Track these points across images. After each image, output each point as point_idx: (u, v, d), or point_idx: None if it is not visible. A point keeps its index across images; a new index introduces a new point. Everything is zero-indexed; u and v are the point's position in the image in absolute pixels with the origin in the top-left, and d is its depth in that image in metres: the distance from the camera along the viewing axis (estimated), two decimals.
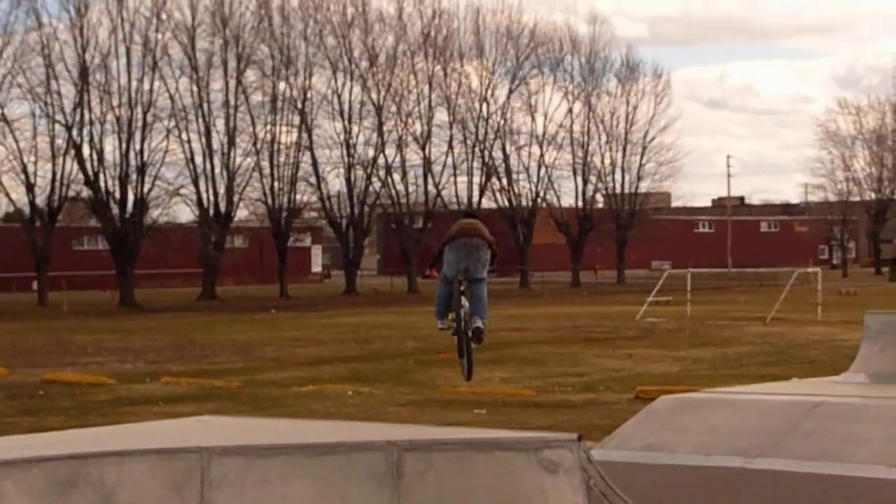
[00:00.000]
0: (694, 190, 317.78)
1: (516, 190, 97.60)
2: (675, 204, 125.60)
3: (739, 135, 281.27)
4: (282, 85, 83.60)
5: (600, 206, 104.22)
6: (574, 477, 11.49)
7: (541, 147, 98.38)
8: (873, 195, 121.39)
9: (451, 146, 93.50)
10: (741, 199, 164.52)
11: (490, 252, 18.43)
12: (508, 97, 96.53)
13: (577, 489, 11.45)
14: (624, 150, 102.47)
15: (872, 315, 23.67)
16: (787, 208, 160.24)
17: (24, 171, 73.76)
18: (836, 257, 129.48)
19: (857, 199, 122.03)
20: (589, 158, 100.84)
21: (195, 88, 78.39)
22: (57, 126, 74.83)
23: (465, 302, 18.22)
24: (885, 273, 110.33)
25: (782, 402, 19.37)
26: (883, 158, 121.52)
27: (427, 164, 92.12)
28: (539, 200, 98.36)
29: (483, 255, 18.18)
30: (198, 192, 79.35)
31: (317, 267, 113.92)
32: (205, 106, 79.22)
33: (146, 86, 76.09)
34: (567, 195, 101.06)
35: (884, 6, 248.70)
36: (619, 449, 17.92)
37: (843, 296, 70.70)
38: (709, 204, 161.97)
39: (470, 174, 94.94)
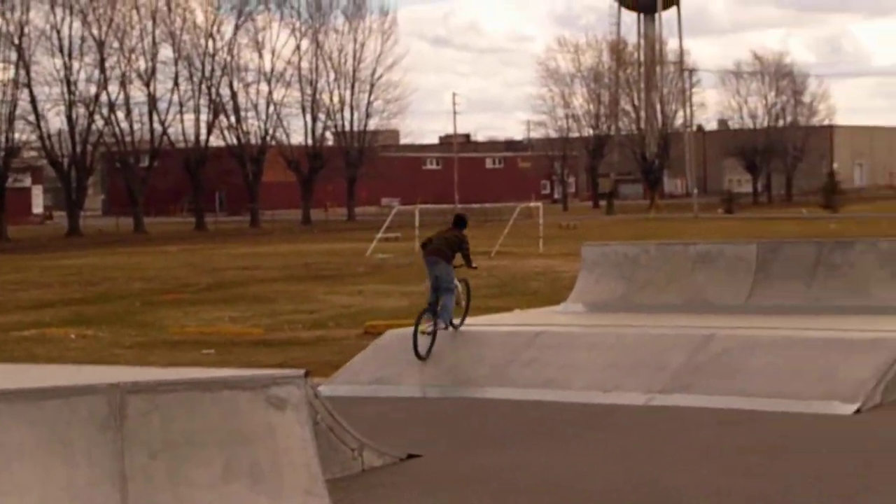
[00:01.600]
0: (422, 127, 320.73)
1: (245, 128, 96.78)
2: (403, 141, 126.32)
3: (464, 72, 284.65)
4: None
5: (330, 143, 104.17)
6: (301, 413, 11.52)
7: (269, 84, 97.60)
8: (591, 131, 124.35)
9: (176, 83, 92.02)
10: (467, 136, 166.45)
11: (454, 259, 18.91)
12: (235, 33, 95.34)
13: (305, 424, 11.49)
14: (352, 87, 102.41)
15: (589, 247, 24.42)
16: (510, 145, 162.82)
17: None
18: (557, 192, 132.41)
19: (577, 135, 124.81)
20: (318, 96, 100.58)
21: None
22: None
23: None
24: (603, 207, 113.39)
25: (505, 332, 19.82)
26: (600, 96, 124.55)
27: (152, 101, 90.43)
28: (268, 138, 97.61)
29: (444, 268, 18.61)
30: None
31: (38, 208, 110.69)
32: None
33: None
34: (296, 133, 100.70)
35: None
36: (348, 384, 18.05)
37: (563, 229, 72.33)
38: (436, 141, 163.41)
39: (197, 112, 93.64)
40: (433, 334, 18.15)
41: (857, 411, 15.43)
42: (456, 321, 18.84)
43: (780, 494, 11.80)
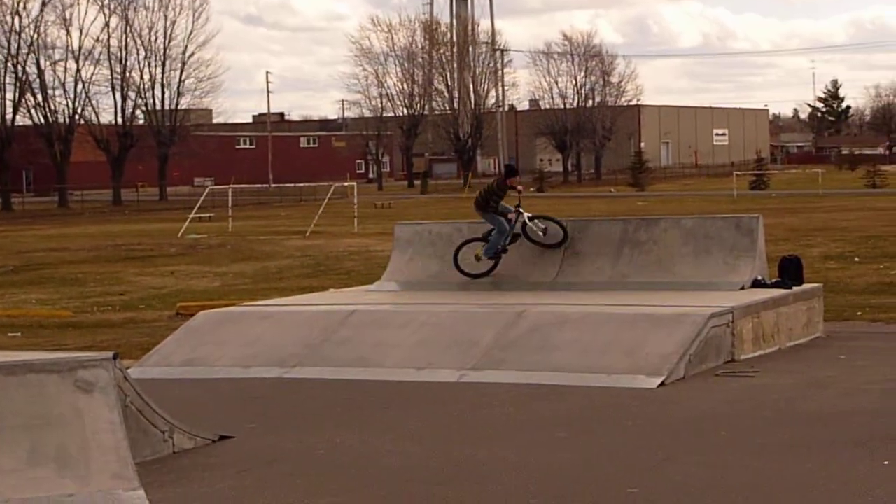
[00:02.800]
0: (235, 106, 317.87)
1: (52, 106, 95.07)
2: (216, 120, 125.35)
3: (277, 51, 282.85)
4: None
5: (141, 122, 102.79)
6: (110, 396, 11.36)
7: (77, 62, 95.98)
8: (406, 111, 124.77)
9: None
10: (281, 115, 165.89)
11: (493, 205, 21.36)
12: (42, 10, 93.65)
13: (114, 408, 11.34)
14: (163, 65, 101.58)
15: (401, 226, 24.53)
16: (325, 124, 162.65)
17: None
18: (372, 171, 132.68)
19: (391, 114, 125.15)
20: (128, 74, 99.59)
21: None
22: None
23: None
24: (418, 186, 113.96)
25: (319, 312, 19.84)
26: (414, 75, 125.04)
27: None
28: (77, 117, 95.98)
29: (484, 216, 21.38)
30: None
31: None
32: None
33: None
34: (106, 112, 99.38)
35: None
36: (159, 366, 17.89)
37: (378, 208, 72.61)
38: (250, 120, 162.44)
39: (3, 90, 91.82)
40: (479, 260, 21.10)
41: (662, 384, 15.83)
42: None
43: (581, 467, 12.02)
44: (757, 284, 20.18)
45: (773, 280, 20.64)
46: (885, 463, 11.89)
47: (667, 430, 13.48)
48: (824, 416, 14.10)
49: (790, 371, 17.09)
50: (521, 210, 21.17)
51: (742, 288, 19.87)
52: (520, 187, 21.82)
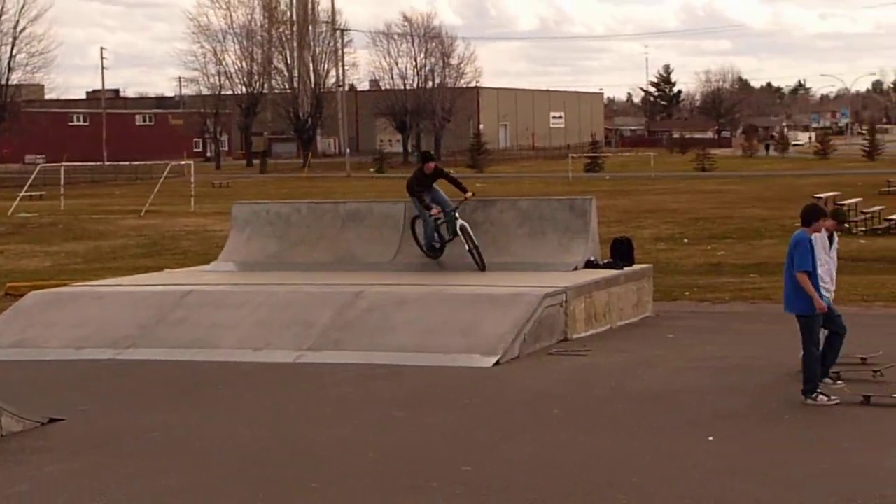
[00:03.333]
0: (68, 82, 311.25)
1: None
2: (48, 96, 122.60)
3: (112, 26, 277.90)
4: None
5: None
6: None
7: None
8: (245, 89, 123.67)
9: None
10: (116, 91, 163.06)
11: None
12: None
13: None
14: None
15: (239, 205, 24.35)
16: (161, 101, 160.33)
17: None
18: (210, 150, 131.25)
19: (230, 92, 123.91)
20: None
21: None
22: None
23: None
24: (256, 165, 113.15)
25: (153, 292, 19.63)
26: (253, 53, 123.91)
27: None
28: None
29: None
30: None
31: None
32: None
33: None
34: None
35: None
36: None
37: (216, 188, 71.89)
38: (83, 97, 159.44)
39: None
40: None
41: (497, 364, 15.98)
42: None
43: (417, 447, 12.12)
44: (590, 265, 20.45)
45: (605, 261, 20.93)
46: (710, 439, 12.21)
47: (502, 409, 13.64)
48: (653, 394, 14.39)
49: (621, 350, 17.39)
50: (457, 216, 20.46)
51: (575, 268, 20.12)
52: (469, 194, 21.03)
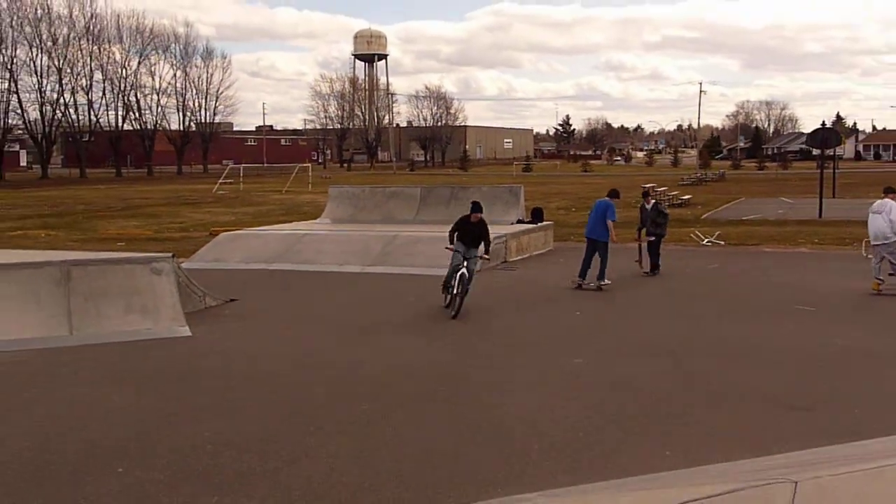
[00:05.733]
0: (244, 121, 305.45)
1: (144, 119, 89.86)
2: (235, 128, 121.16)
3: (269, 90, 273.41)
4: None
5: (193, 129, 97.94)
6: (170, 277, 11.41)
7: (158, 95, 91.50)
8: (339, 125, 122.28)
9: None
10: (270, 126, 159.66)
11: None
12: (138, 66, 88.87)
13: (172, 283, 11.39)
14: (206, 97, 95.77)
15: (333, 187, 24.43)
16: (295, 132, 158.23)
17: None
18: (320, 158, 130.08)
19: (331, 127, 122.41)
20: (186, 102, 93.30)
21: None
22: None
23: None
24: (346, 166, 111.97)
25: (286, 234, 19.68)
26: (343, 106, 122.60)
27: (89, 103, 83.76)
28: (157, 126, 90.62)
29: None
30: None
31: (23, 163, 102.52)
32: None
33: None
34: (174, 123, 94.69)
35: None
36: (198, 261, 17.73)
37: (322, 179, 70.90)
38: (253, 128, 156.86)
39: (116, 111, 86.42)
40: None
41: None
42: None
43: (424, 316, 12.02)
44: (519, 222, 20.56)
45: (528, 220, 21.00)
46: (578, 313, 12.24)
47: (474, 297, 13.52)
48: (550, 284, 14.23)
49: (536, 266, 17.41)
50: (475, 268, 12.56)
51: (511, 224, 20.22)
52: (486, 256, 12.77)
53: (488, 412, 7.43)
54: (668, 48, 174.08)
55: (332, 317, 12.08)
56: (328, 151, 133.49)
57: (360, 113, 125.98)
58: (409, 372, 8.91)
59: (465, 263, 12.24)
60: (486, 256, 12.80)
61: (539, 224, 20.59)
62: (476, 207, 12.53)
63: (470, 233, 12.42)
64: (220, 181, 57.02)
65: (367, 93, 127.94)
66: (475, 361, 9.41)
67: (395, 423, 7.14)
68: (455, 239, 12.46)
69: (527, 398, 7.87)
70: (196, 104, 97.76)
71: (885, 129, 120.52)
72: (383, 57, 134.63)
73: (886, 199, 13.47)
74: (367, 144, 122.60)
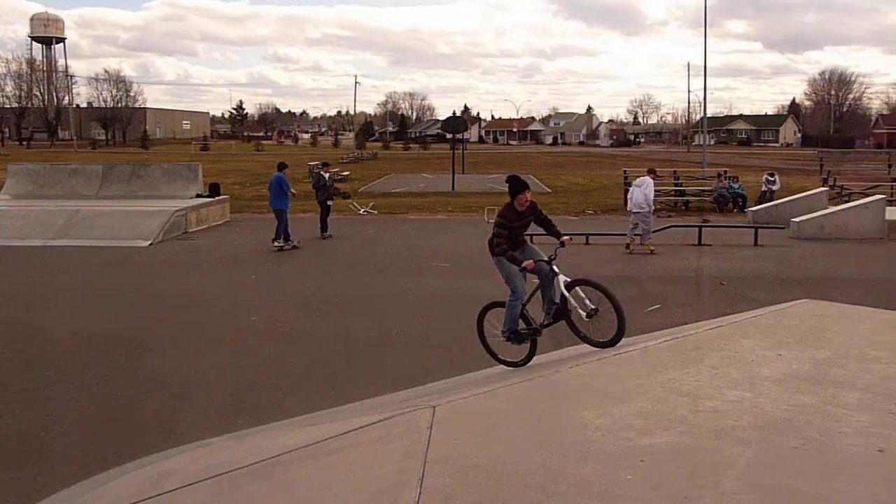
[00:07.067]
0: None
1: None
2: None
3: None
4: None
5: None
6: None
7: None
8: (17, 104, 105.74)
9: None
10: None
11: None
12: None
13: None
14: None
15: (13, 165, 21.02)
16: None
17: None
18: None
19: (9, 106, 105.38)
20: None
21: None
22: None
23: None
24: (25, 145, 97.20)
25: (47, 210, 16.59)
26: (22, 87, 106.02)
27: None
28: None
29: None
30: None
31: None
32: None
33: None
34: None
35: None
36: None
37: (0, 156, 61.11)
38: None
39: None
40: None
41: (151, 244, 14.93)
42: None
43: (114, 282, 11.04)
44: (198, 196, 19.37)
45: (206, 194, 19.63)
46: (254, 276, 11.79)
47: (151, 267, 12.67)
48: (224, 255, 13.57)
49: (214, 236, 16.42)
50: (557, 269, 5.37)
51: (192, 198, 19.05)
52: (565, 237, 5.35)
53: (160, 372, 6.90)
54: (327, 44, 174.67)
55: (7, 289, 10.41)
56: (6, 130, 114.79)
57: (38, 93, 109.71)
58: (87, 338, 7.98)
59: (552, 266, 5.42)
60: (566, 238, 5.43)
61: (216, 198, 19.63)
62: (519, 185, 5.46)
63: (522, 227, 5.56)
64: None
65: (45, 74, 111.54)
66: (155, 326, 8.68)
67: (79, 385, 6.35)
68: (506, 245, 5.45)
69: (208, 355, 7.41)
70: None
71: (500, 118, 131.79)
72: (61, 40, 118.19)
73: (647, 177, 13.71)
74: (48, 123, 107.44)
